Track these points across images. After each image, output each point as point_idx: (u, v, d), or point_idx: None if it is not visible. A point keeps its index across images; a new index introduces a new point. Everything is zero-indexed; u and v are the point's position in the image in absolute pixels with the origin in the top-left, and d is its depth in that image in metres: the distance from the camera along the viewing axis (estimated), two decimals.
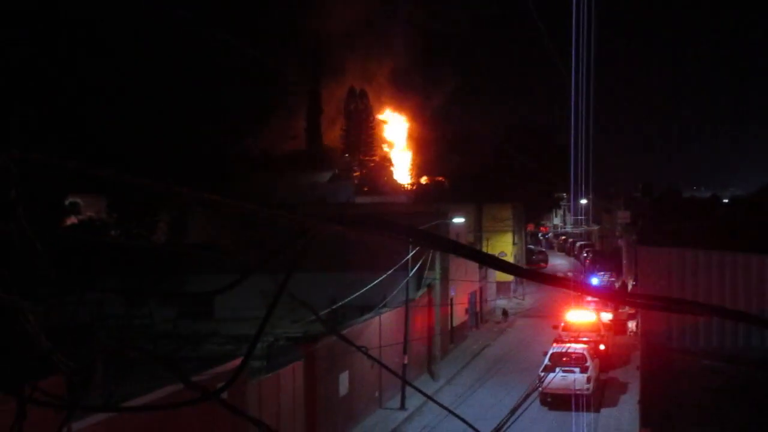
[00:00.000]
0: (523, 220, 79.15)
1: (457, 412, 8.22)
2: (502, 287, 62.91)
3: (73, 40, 57.31)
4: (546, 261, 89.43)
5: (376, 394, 33.66)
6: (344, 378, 29.95)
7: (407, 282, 35.00)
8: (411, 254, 34.21)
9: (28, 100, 48.16)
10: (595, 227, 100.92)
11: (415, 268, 35.54)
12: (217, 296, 32.28)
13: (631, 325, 47.57)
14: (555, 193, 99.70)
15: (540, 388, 33.68)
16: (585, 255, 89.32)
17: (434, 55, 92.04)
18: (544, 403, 34.03)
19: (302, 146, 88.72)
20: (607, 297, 15.09)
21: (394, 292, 34.50)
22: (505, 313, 56.93)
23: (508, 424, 16.28)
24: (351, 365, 30.22)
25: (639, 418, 26.32)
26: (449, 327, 45.29)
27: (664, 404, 22.92)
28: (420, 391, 7.26)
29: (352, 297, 30.24)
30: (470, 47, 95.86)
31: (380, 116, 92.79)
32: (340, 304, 29.86)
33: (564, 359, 33.99)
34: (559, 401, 33.59)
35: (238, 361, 21.06)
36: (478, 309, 53.69)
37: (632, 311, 47.02)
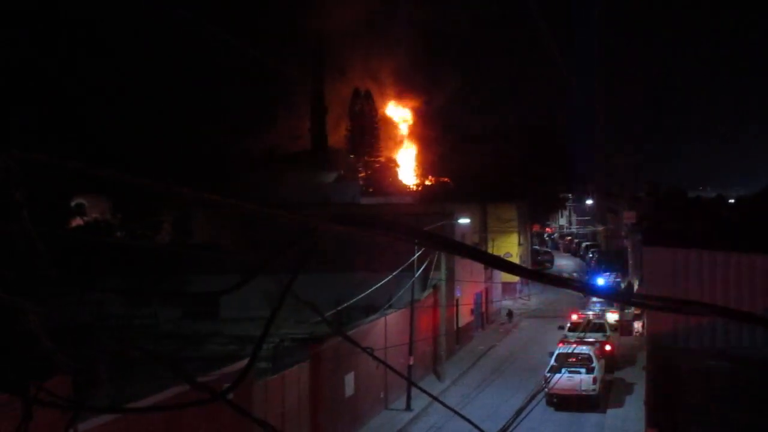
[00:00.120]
0: (529, 220, 79.09)
1: (462, 412, 8.20)
2: (507, 288, 62.85)
3: (74, 40, 57.38)
4: (551, 261, 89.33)
5: (382, 394, 33.64)
6: (350, 379, 29.93)
7: (413, 283, 34.98)
8: (417, 255, 34.20)
9: (29, 101, 48.24)
10: (601, 227, 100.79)
11: (421, 269, 35.53)
12: (222, 297, 32.33)
13: (637, 325, 47.55)
14: (560, 193, 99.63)
15: (546, 389, 33.66)
16: (590, 255, 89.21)
17: (437, 54, 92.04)
18: (550, 403, 34.00)
19: (307, 147, 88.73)
20: (613, 297, 15.07)
21: (400, 293, 34.49)
22: (509, 314, 56.86)
23: (514, 424, 16.27)
24: (356, 366, 30.20)
25: (645, 418, 26.28)
26: (455, 328, 45.26)
27: (670, 405, 22.89)
28: (426, 392, 7.25)
29: (357, 298, 30.24)
30: (473, 47, 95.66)
31: (384, 117, 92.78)
32: (346, 305, 29.86)
33: (570, 360, 33.96)
34: (565, 402, 33.57)
35: (243, 362, 21.08)
36: (483, 310, 53.66)
37: (638, 312, 46.99)
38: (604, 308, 48.17)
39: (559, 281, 3.88)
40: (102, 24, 61.53)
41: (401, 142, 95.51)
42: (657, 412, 23.95)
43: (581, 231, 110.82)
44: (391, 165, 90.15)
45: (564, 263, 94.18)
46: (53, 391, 3.37)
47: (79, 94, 56.30)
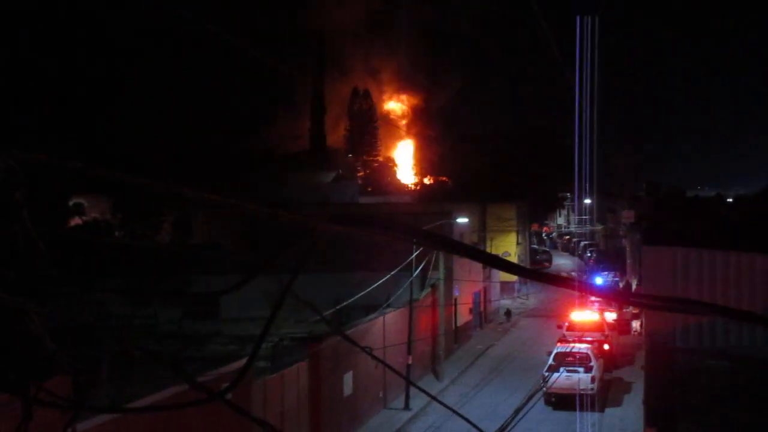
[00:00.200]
0: (527, 219, 79.10)
1: (461, 412, 8.21)
2: (506, 287, 62.86)
3: (74, 40, 57.39)
4: (550, 261, 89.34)
5: (381, 394, 33.65)
6: (348, 378, 29.94)
7: (411, 282, 34.98)
8: (415, 254, 34.21)
9: (29, 101, 48.21)
10: (599, 227, 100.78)
11: (419, 268, 35.53)
12: (223, 297, 32.32)
13: (636, 324, 47.55)
14: (559, 192, 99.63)
15: (544, 388, 33.68)
16: (589, 255, 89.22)
17: (438, 54, 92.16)
18: (548, 402, 34.00)
19: (306, 146, 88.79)
20: (612, 297, 15.08)
21: (398, 292, 34.49)
22: (507, 313, 56.81)
23: (513, 423, 16.29)
24: (355, 365, 30.21)
25: (643, 417, 26.29)
26: (453, 327, 45.28)
27: (669, 404, 22.90)
28: (424, 392, 7.26)
29: (356, 297, 30.23)
30: (473, 47, 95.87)
31: (384, 116, 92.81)
32: (345, 304, 29.86)
33: (568, 359, 33.96)
34: (563, 401, 33.56)
35: (242, 362, 21.08)
36: (482, 309, 53.66)
37: (636, 311, 46.99)
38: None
39: (558, 280, 3.89)
40: (102, 24, 61.54)
41: (400, 140, 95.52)
42: (655, 411, 23.96)
43: (580, 230, 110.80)
44: (389, 164, 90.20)
45: (562, 262, 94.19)
46: (53, 391, 3.38)
47: (79, 94, 56.33)
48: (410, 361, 34.85)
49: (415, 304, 36.49)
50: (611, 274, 66.67)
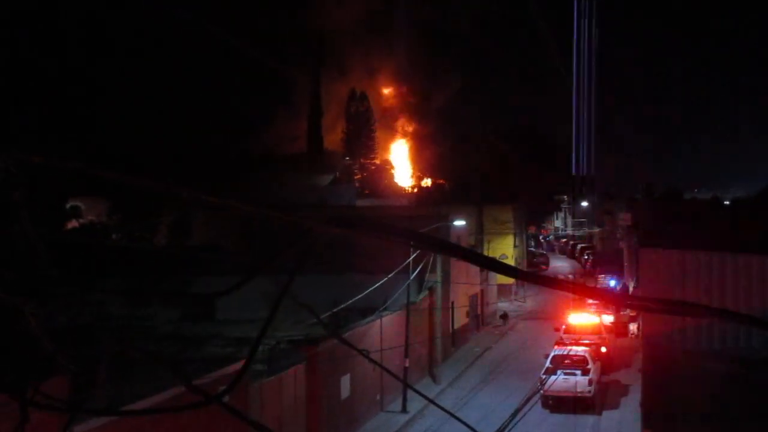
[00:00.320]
0: (525, 222, 79.15)
1: (458, 415, 8.22)
2: (503, 290, 62.91)
3: (74, 40, 57.38)
4: (547, 263, 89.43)
5: (378, 397, 33.64)
6: (346, 381, 29.93)
7: (408, 285, 34.98)
8: (412, 257, 34.20)
9: (29, 101, 48.18)
10: (596, 229, 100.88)
11: (417, 271, 35.52)
12: (220, 298, 32.24)
13: (633, 327, 47.57)
14: (556, 195, 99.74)
15: (541, 391, 33.68)
16: (586, 257, 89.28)
17: (436, 55, 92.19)
18: (545, 405, 34.01)
19: (303, 148, 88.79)
20: (610, 300, 15.07)
21: (396, 295, 34.48)
22: (504, 316, 56.77)
23: (510, 426, 16.28)
24: (353, 368, 30.21)
25: (641, 420, 26.27)
26: (450, 330, 45.27)
27: (666, 406, 22.91)
28: (421, 395, 7.27)
29: (353, 300, 30.22)
30: (472, 48, 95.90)
31: (381, 117, 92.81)
32: (342, 306, 29.84)
33: (565, 362, 33.96)
34: (560, 404, 33.59)
35: (239, 364, 21.07)
36: (479, 312, 53.67)
37: (634, 313, 47.01)
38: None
39: (555, 283, 3.89)
40: (101, 24, 61.52)
41: (398, 142, 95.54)
42: (653, 414, 23.96)
43: (577, 233, 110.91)
44: (387, 167, 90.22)
45: (560, 265, 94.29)
46: (50, 392, 3.38)
47: (78, 94, 56.31)
48: (407, 364, 34.84)
49: (413, 307, 36.49)
50: (614, 278, 66.52)
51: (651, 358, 24.25)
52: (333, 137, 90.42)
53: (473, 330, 51.67)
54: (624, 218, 74.99)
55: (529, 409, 34.59)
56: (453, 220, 44.45)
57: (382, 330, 33.74)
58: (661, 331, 23.22)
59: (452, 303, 44.94)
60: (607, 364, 39.08)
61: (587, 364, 34.28)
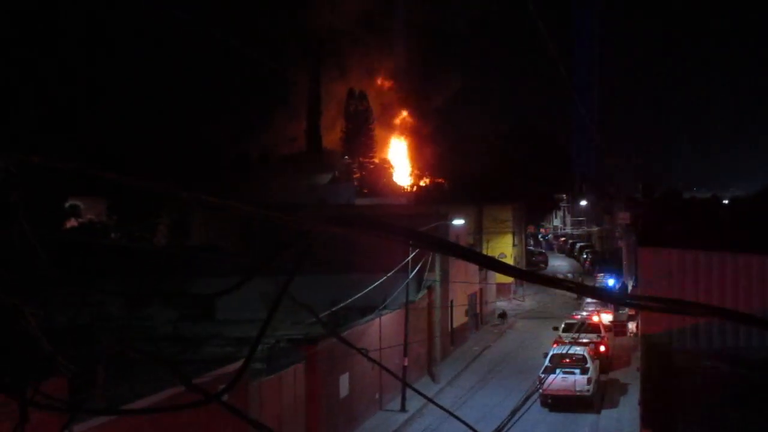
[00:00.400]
0: (524, 221, 79.14)
1: (457, 414, 8.22)
2: (502, 289, 62.91)
3: (74, 41, 57.35)
4: (546, 262, 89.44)
5: (377, 396, 33.65)
6: (345, 380, 29.95)
7: (407, 284, 34.98)
8: (411, 256, 34.20)
9: (27, 102, 48.14)
10: (595, 228, 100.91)
11: (415, 269, 35.52)
12: (219, 298, 32.22)
13: (631, 326, 47.57)
14: (555, 194, 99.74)
15: (540, 390, 33.68)
16: (585, 256, 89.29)
17: (436, 55, 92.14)
18: (544, 404, 34.01)
19: (302, 148, 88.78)
20: (608, 299, 15.07)
21: (395, 294, 34.48)
22: (502, 315, 56.69)
23: (509, 425, 16.29)
24: (352, 367, 30.22)
25: (640, 419, 26.30)
26: (449, 329, 45.27)
27: (665, 405, 22.92)
28: (420, 393, 7.28)
29: (352, 299, 30.23)
30: (471, 48, 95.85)
31: (380, 117, 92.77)
32: (341, 306, 29.84)
33: (564, 361, 33.97)
34: (559, 403, 33.60)
35: (239, 364, 21.07)
36: (478, 311, 53.67)
37: (632, 312, 47.01)
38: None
39: (553, 282, 3.90)
40: (99, 25, 61.48)
41: (397, 141, 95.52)
42: (652, 412, 23.98)
43: (576, 232, 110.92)
44: (386, 166, 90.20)
45: (559, 264, 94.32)
46: (50, 392, 3.38)
47: (78, 94, 56.31)
48: (406, 363, 34.84)
49: (412, 305, 36.49)
50: (613, 277, 66.51)
51: (650, 357, 24.26)
52: (332, 136, 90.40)
53: (472, 329, 51.68)
54: (623, 217, 75.00)
55: (528, 408, 34.66)
56: (452, 219, 44.45)
57: (381, 329, 33.75)
58: (659, 330, 23.23)
59: (451, 302, 44.94)
60: (606, 363, 39.09)
61: (586, 363, 34.29)
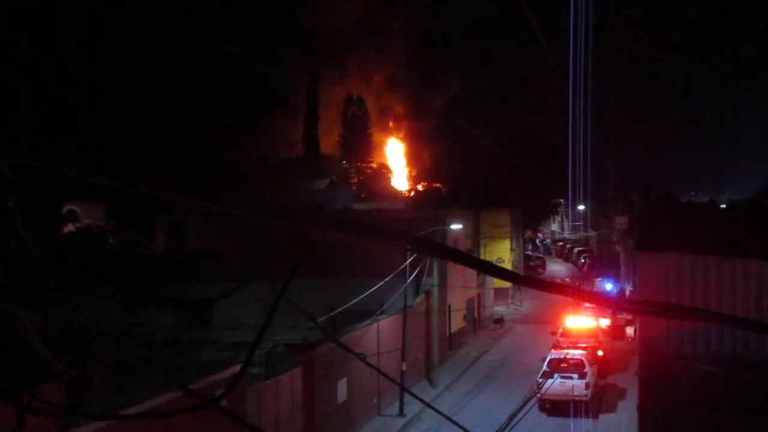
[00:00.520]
0: (521, 226, 79.16)
1: (455, 418, 8.20)
2: (500, 293, 62.89)
3: (73, 43, 57.33)
4: (544, 267, 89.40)
5: (375, 400, 33.63)
6: (343, 384, 29.92)
7: (405, 288, 34.97)
8: (409, 261, 34.21)
9: (25, 104, 48.10)
10: (593, 233, 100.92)
11: (413, 274, 35.52)
12: (216, 303, 32.25)
13: (630, 330, 47.58)
14: (553, 198, 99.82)
15: (538, 395, 33.68)
16: (582, 261, 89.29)
17: (433, 58, 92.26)
18: (542, 409, 34.01)
19: (300, 152, 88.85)
20: (606, 303, 15.06)
21: (392, 299, 34.47)
22: (498, 320, 56.53)
23: (507, 430, 16.28)
24: (349, 372, 30.20)
25: (638, 423, 26.29)
26: (447, 333, 45.26)
27: (663, 410, 22.91)
28: (418, 398, 7.25)
29: (350, 303, 30.22)
30: (469, 51, 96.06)
31: (377, 122, 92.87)
32: (339, 310, 29.84)
33: (562, 365, 33.96)
34: (557, 407, 33.58)
35: (236, 368, 21.05)
36: (476, 315, 53.66)
37: (630, 317, 47.03)
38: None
39: (551, 287, 3.89)
40: (99, 26, 61.48)
41: (395, 146, 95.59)
42: (650, 417, 23.97)
43: (574, 236, 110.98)
44: (383, 171, 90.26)
45: (556, 268, 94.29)
46: (46, 398, 3.37)
47: (75, 97, 56.27)
48: (404, 368, 34.82)
49: (409, 310, 36.48)
50: (610, 281, 66.57)
51: (648, 361, 24.25)
52: (330, 140, 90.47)
53: (470, 333, 51.67)
54: (620, 221, 75.04)
55: (526, 413, 34.65)
56: (450, 224, 44.45)
57: (379, 333, 33.74)
58: (657, 335, 23.24)
59: (449, 306, 44.93)
60: (603, 368, 39.07)
61: (584, 367, 34.28)
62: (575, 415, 33.42)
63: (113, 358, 3.65)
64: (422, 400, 7.39)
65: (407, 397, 33.60)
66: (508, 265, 62.35)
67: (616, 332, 47.82)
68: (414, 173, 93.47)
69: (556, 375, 33.13)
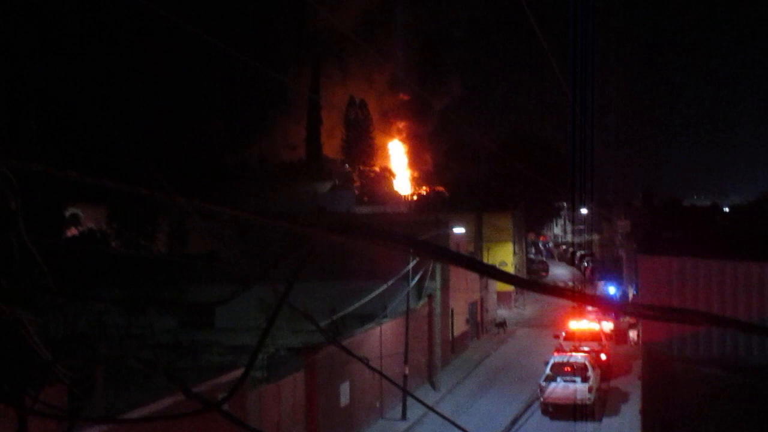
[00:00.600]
0: (524, 229, 79.11)
1: (458, 422, 8.20)
2: (503, 297, 62.84)
3: (76, 45, 57.37)
4: (546, 270, 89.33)
5: (377, 404, 33.59)
6: (345, 388, 29.89)
7: (408, 292, 34.95)
8: (411, 264, 34.19)
9: (27, 108, 48.12)
10: (596, 236, 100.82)
11: (416, 278, 35.50)
12: (218, 306, 32.30)
13: (632, 334, 47.54)
14: (555, 202, 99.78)
15: (541, 398, 33.67)
16: (585, 264, 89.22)
17: (435, 63, 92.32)
18: (545, 412, 33.97)
19: (302, 156, 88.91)
20: (609, 307, 15.07)
21: (395, 302, 34.46)
22: (500, 324, 56.34)
23: None
24: (352, 375, 30.17)
25: (641, 427, 26.28)
26: (450, 337, 45.23)
27: (666, 413, 22.89)
28: (421, 402, 7.26)
29: (353, 307, 30.21)
30: (470, 54, 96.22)
31: (380, 125, 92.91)
32: (341, 314, 29.82)
33: (565, 369, 33.94)
34: (560, 411, 33.54)
35: (238, 372, 21.04)
36: (479, 319, 53.63)
37: (633, 320, 47.01)
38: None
39: (554, 290, 3.89)
40: (99, 28, 61.55)
41: (397, 149, 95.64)
42: (653, 420, 23.95)
43: (576, 240, 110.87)
44: (386, 174, 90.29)
45: (559, 272, 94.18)
46: (48, 401, 3.37)
47: (73, 101, 56.29)
48: (407, 371, 34.79)
49: (412, 314, 36.46)
50: (614, 284, 66.51)
51: (650, 365, 24.24)
52: (332, 143, 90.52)
53: (473, 337, 51.63)
54: (623, 225, 75.04)
55: (529, 416, 34.67)
56: (452, 227, 44.43)
57: (382, 337, 33.72)
58: (660, 338, 23.22)
59: (452, 310, 44.91)
60: (606, 371, 39.03)
61: (587, 371, 34.24)
62: (578, 419, 33.39)
63: (115, 360, 3.64)
64: (425, 404, 7.39)
65: (410, 401, 33.57)
66: (510, 269, 62.34)
67: (619, 336, 47.80)
68: (416, 175, 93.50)
69: (559, 378, 33.11)
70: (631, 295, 54.89)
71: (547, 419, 33.82)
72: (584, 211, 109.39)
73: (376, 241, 3.60)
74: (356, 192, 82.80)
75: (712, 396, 21.49)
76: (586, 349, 38.23)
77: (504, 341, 52.84)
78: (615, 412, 35.19)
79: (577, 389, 33.40)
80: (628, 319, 47.68)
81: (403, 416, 33.77)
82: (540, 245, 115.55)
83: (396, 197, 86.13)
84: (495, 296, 60.03)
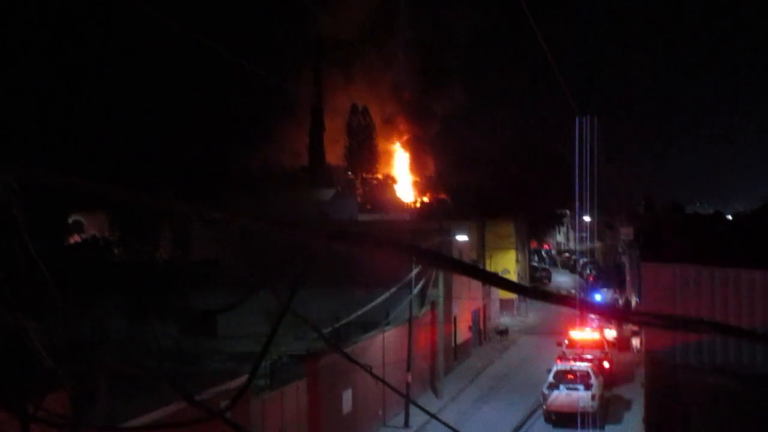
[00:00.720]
0: (527, 237, 79.03)
1: (461, 430, 8.19)
2: (505, 304, 62.74)
3: (71, 53, 57.42)
4: (549, 278, 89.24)
5: (380, 411, 33.55)
6: (348, 395, 29.86)
7: (411, 299, 34.93)
8: (414, 272, 34.18)
9: (29, 114, 48.20)
10: (599, 244, 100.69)
11: (419, 285, 35.48)
12: (221, 314, 32.32)
13: (635, 342, 47.47)
14: (558, 209, 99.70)
15: (544, 406, 33.63)
16: (588, 272, 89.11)
17: (438, 70, 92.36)
18: (548, 420, 33.93)
19: (305, 163, 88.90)
20: (611, 314, 15.02)
21: (398, 310, 34.43)
22: (502, 332, 56.23)
23: None
24: (354, 383, 30.13)
25: None
26: (453, 344, 45.19)
27: (669, 421, 22.86)
28: (423, 410, 7.26)
29: (356, 314, 30.18)
30: (473, 61, 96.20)
31: (382, 132, 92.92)
32: (344, 321, 29.80)
33: (568, 376, 33.89)
34: (563, 419, 33.48)
35: (241, 379, 21.03)
36: (481, 326, 53.56)
37: (636, 328, 46.93)
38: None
39: (557, 298, 3.88)
40: (100, 35, 61.66)
41: (400, 156, 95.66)
42: (656, 428, 23.91)
43: (579, 247, 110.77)
44: (388, 182, 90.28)
45: (562, 280, 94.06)
46: (50, 408, 3.37)
47: (73, 108, 56.37)
48: (410, 379, 34.76)
49: (415, 321, 36.44)
50: (610, 291, 66.56)
51: (653, 372, 24.22)
52: (335, 150, 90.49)
53: (476, 344, 51.56)
54: (626, 232, 74.90)
55: (532, 424, 34.64)
56: (455, 235, 44.41)
57: (385, 344, 33.69)
58: (663, 346, 23.20)
59: (454, 318, 44.87)
60: (609, 379, 38.97)
61: (590, 378, 34.18)
62: (581, 427, 33.34)
63: (117, 368, 3.65)
64: (428, 412, 7.39)
65: (412, 408, 33.53)
66: (513, 277, 62.25)
67: (621, 344, 47.73)
68: (419, 182, 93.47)
69: (561, 386, 33.06)
70: (634, 303, 54.80)
71: (549, 427, 33.78)
72: (587, 218, 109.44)
73: (380, 249, 3.60)
74: (359, 199, 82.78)
75: (714, 404, 21.46)
76: (589, 356, 38.16)
77: (507, 349, 52.76)
78: (618, 420, 35.13)
79: (580, 397, 33.35)
80: (631, 327, 47.61)
81: (406, 424, 33.74)
82: (543, 253, 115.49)
83: (399, 205, 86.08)
84: (498, 304, 59.95)
